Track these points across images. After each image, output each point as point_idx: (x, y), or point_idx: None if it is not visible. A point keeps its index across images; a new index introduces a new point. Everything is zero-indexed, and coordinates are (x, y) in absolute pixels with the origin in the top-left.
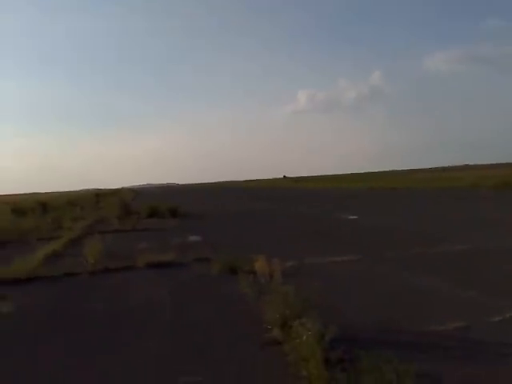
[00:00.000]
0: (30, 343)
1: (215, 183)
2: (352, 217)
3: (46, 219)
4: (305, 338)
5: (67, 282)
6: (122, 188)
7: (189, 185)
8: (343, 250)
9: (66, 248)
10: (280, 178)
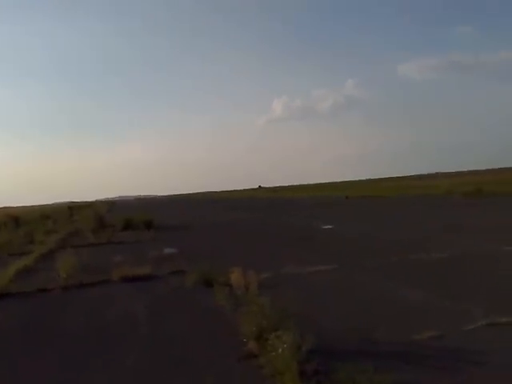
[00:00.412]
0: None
1: (191, 194)
2: (328, 226)
3: (18, 233)
4: (280, 350)
5: (40, 297)
6: (96, 200)
7: (165, 196)
8: (319, 260)
9: (38, 263)
10: (256, 188)
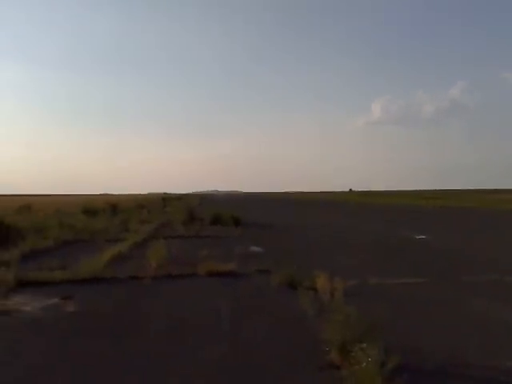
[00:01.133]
0: (89, 341)
1: (281, 193)
2: (420, 236)
3: (115, 221)
4: (364, 364)
5: (131, 284)
6: (188, 194)
7: (254, 193)
8: (409, 272)
9: (132, 250)
10: (346, 192)
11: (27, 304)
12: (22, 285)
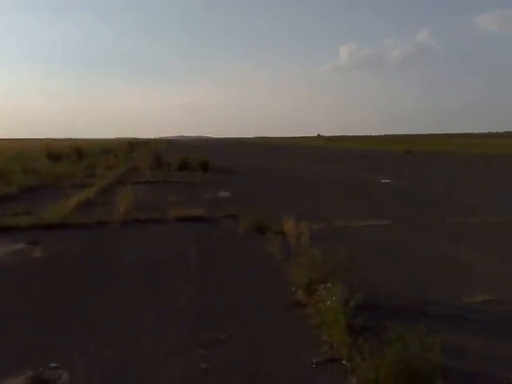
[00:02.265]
0: (57, 287)
1: (248, 138)
2: (386, 180)
3: (80, 166)
4: (329, 303)
5: (99, 230)
6: (155, 139)
7: (221, 139)
8: (374, 215)
9: (98, 196)
10: (314, 137)
11: None
12: None
